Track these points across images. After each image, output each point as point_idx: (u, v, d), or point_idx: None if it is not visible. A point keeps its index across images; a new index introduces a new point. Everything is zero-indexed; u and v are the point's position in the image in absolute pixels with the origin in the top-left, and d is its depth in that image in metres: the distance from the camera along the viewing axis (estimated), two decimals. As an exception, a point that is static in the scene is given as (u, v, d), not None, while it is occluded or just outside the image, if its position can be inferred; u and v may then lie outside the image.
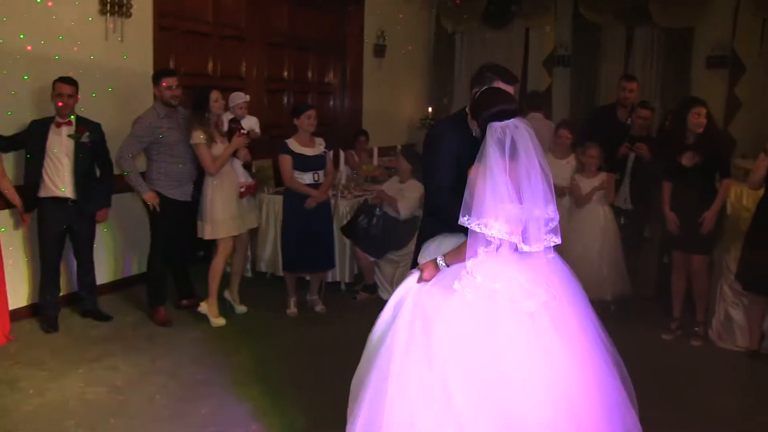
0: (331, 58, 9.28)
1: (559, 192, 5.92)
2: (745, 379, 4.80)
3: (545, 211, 2.76)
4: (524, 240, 2.74)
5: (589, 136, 6.11)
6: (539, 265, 2.82)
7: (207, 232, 5.34)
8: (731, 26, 9.37)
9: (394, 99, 10.24)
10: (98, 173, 5.38)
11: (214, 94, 5.33)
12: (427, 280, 2.90)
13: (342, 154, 7.03)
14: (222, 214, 5.32)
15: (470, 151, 2.87)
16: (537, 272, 2.79)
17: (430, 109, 10.68)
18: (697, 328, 5.37)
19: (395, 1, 9.81)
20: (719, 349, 5.26)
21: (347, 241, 6.26)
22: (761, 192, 4.99)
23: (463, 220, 2.73)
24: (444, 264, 2.89)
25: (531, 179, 2.73)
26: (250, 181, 5.61)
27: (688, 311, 5.48)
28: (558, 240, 2.79)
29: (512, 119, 2.79)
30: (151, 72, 6.04)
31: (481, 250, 2.74)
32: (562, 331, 2.77)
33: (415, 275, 2.97)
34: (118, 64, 5.92)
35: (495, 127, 2.77)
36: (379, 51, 9.66)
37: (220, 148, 5.33)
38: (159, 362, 4.71)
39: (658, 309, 5.84)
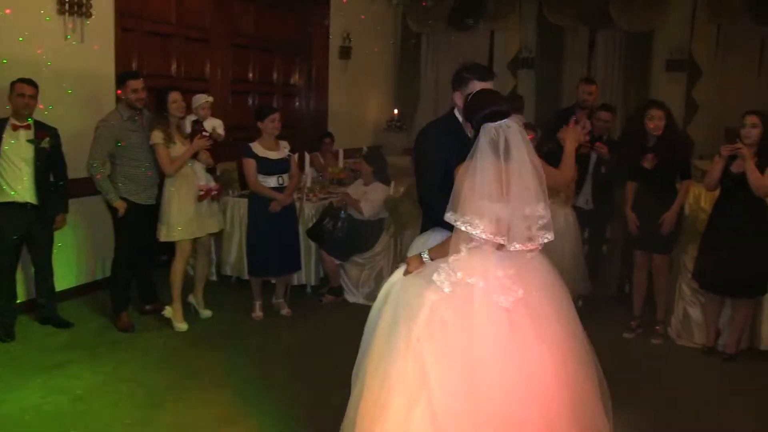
0: (297, 60, 9.27)
1: None
2: (701, 375, 4.89)
3: (535, 209, 2.79)
4: (510, 238, 2.78)
5: (551, 138, 6.17)
6: (520, 261, 2.85)
7: (162, 234, 5.30)
8: (689, 31, 9.58)
9: (359, 101, 10.25)
10: (52, 178, 5.24)
11: (172, 95, 5.27)
12: (411, 273, 3.00)
13: (307, 156, 7.01)
14: (177, 217, 5.26)
15: (460, 151, 2.93)
16: (517, 269, 2.83)
17: (396, 111, 10.72)
18: (657, 327, 5.46)
19: (361, 3, 9.81)
20: (678, 347, 5.37)
21: (313, 244, 6.25)
22: (717, 193, 5.11)
23: (448, 217, 2.78)
24: (428, 258, 2.96)
25: (522, 178, 2.78)
26: (212, 184, 5.53)
27: (649, 310, 5.57)
28: (550, 236, 2.83)
29: (505, 120, 2.83)
30: (113, 74, 6.00)
31: (463, 246, 2.79)
32: (538, 327, 2.81)
33: (402, 268, 3.07)
34: (78, 65, 5.83)
35: (488, 128, 2.81)
36: (345, 52, 9.66)
37: (179, 149, 5.29)
38: (122, 369, 4.64)
39: (620, 308, 5.92)
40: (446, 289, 2.79)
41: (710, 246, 5.04)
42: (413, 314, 2.82)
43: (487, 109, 2.86)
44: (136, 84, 5.26)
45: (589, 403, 2.90)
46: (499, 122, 2.82)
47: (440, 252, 2.91)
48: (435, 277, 2.82)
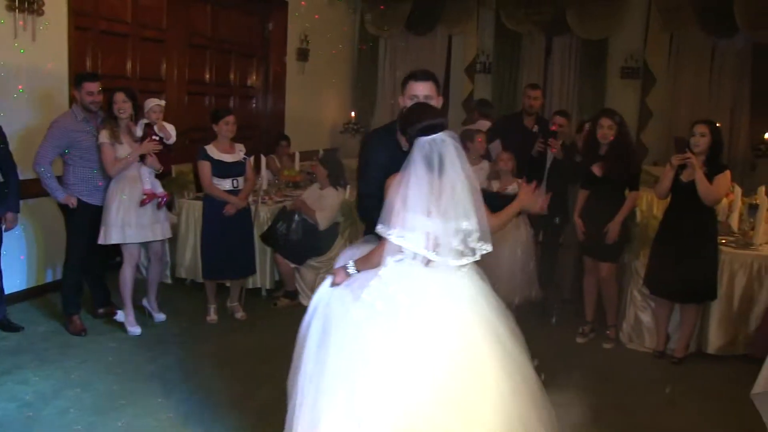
0: (254, 61, 9.22)
1: None
2: (652, 378, 4.98)
3: (470, 223, 2.79)
4: (440, 253, 2.78)
5: (494, 142, 6.29)
6: (449, 276, 2.84)
7: (100, 236, 5.20)
8: (643, 39, 9.79)
9: (317, 103, 10.24)
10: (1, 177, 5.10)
11: (115, 96, 5.18)
12: (338, 285, 2.96)
13: (263, 159, 6.98)
14: (115, 219, 5.16)
15: (399, 162, 2.90)
16: (445, 284, 2.83)
17: (353, 114, 10.73)
18: (608, 332, 5.56)
19: (319, 5, 9.80)
20: (629, 351, 5.46)
21: (268, 248, 6.22)
22: (668, 201, 5.22)
23: (379, 229, 2.78)
24: (354, 270, 2.94)
25: (456, 193, 2.77)
26: (159, 191, 5.39)
27: (602, 314, 5.66)
28: (489, 248, 2.84)
29: (440, 134, 2.81)
30: (66, 73, 5.90)
31: (389, 259, 2.80)
32: (466, 340, 2.79)
33: (329, 279, 3.03)
34: (29, 64, 5.70)
35: (422, 143, 2.80)
36: (303, 54, 9.64)
37: (126, 150, 5.20)
38: (73, 374, 4.56)
39: (574, 313, 6.01)
40: (379, 307, 2.77)
41: (660, 253, 5.14)
42: (342, 332, 2.81)
43: (421, 123, 2.83)
44: (92, 87, 5.17)
45: (523, 419, 2.86)
46: (432, 136, 2.80)
47: (366, 263, 2.91)
48: (365, 294, 2.80)
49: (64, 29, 6.00)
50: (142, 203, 5.23)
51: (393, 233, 2.74)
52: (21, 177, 5.23)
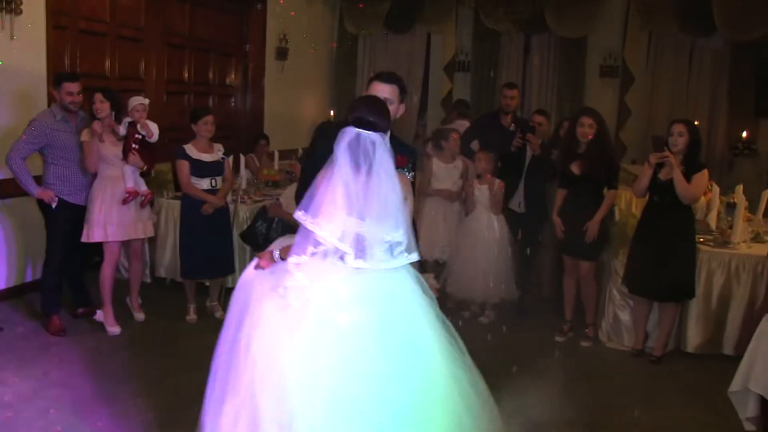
0: (233, 60, 9.18)
1: (452, 197, 6.08)
2: (630, 377, 5.04)
3: (394, 235, 2.70)
4: (360, 255, 2.69)
5: (473, 142, 6.32)
6: (369, 281, 2.74)
7: (83, 234, 5.21)
8: (621, 38, 9.85)
9: (296, 102, 10.21)
10: None
11: (95, 97, 5.17)
12: (263, 269, 2.93)
13: (242, 158, 6.95)
14: (97, 217, 5.17)
15: None
16: (364, 286, 2.74)
17: (332, 112, 10.71)
18: (587, 330, 5.60)
19: (298, 4, 9.78)
20: (608, 349, 5.50)
21: (248, 246, 6.19)
22: (646, 200, 5.26)
23: (298, 214, 2.69)
24: (279, 257, 2.87)
25: (385, 200, 2.69)
26: (143, 189, 5.40)
27: (581, 313, 5.69)
28: (415, 257, 2.76)
29: (372, 133, 2.72)
30: (44, 72, 5.86)
31: (309, 249, 2.69)
32: (377, 349, 2.67)
33: (254, 262, 3.00)
34: (7, 62, 5.64)
35: (350, 131, 2.72)
36: (282, 53, 9.61)
37: (108, 148, 5.20)
38: (52, 374, 4.52)
39: (553, 311, 6.05)
40: (294, 304, 2.71)
41: (639, 251, 5.19)
42: (252, 323, 2.76)
43: (358, 112, 2.75)
44: (72, 87, 5.13)
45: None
46: (363, 132, 2.71)
47: (290, 251, 2.80)
48: (281, 290, 2.74)
49: (42, 28, 5.94)
50: (125, 201, 5.23)
51: (310, 220, 2.64)
52: (0, 176, 5.17)
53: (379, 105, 2.88)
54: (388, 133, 2.90)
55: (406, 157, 3.16)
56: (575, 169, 5.34)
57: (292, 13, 9.65)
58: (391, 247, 2.71)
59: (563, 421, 4.16)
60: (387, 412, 2.63)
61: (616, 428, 4.21)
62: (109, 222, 5.20)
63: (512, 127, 6.18)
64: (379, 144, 2.71)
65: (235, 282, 6.12)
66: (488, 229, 5.84)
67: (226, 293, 5.99)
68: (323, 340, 2.65)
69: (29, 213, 5.69)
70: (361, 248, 2.68)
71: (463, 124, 7.66)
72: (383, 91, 3.17)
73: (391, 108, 3.08)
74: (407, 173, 3.18)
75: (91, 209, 5.18)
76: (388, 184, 2.70)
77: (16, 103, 5.72)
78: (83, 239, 5.20)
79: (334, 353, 2.64)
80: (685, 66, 9.80)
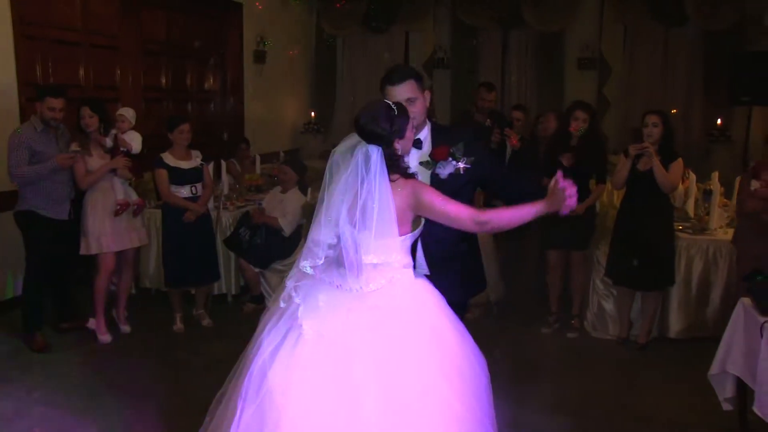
0: (211, 65, 9.13)
1: None
2: (616, 364, 5.11)
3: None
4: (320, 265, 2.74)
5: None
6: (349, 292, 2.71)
7: (82, 247, 5.27)
8: (597, 30, 9.90)
9: (276, 105, 10.20)
10: None
11: (83, 111, 5.19)
12: None
13: (223, 163, 6.93)
14: (93, 230, 5.23)
15: None
16: (343, 298, 2.69)
17: (312, 114, 10.71)
18: (572, 321, 5.65)
19: (274, 7, 9.76)
20: (593, 339, 5.57)
21: (232, 253, 6.19)
22: (624, 191, 5.31)
23: None
24: None
25: (333, 204, 2.70)
26: (133, 198, 5.44)
27: (566, 305, 5.75)
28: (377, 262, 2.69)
29: (369, 146, 2.69)
30: (14, 84, 5.82)
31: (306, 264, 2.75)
32: (359, 359, 2.57)
33: None
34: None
35: (354, 141, 2.77)
36: (260, 57, 9.59)
37: (96, 162, 5.21)
38: (36, 392, 4.48)
39: (539, 304, 6.08)
40: (281, 303, 2.76)
41: (620, 242, 5.24)
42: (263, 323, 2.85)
43: (357, 119, 2.73)
44: (55, 103, 5.07)
45: None
46: (362, 141, 2.70)
47: None
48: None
49: (9, 38, 5.88)
50: (116, 213, 5.28)
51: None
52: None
53: (376, 109, 2.74)
54: (403, 136, 2.77)
55: (446, 147, 2.99)
56: (565, 161, 5.36)
57: (259, 6, 9.52)
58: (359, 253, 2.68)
59: (551, 409, 4.22)
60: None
61: (604, 414, 4.26)
62: (103, 233, 5.24)
63: (488, 122, 6.19)
64: (374, 153, 2.67)
65: (221, 289, 6.21)
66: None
67: (213, 301, 6.01)
68: (298, 346, 2.64)
69: (7, 228, 5.63)
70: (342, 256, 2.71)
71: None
72: (399, 93, 2.95)
73: (417, 105, 2.97)
74: (453, 162, 3.00)
75: (85, 222, 5.22)
76: (379, 198, 2.64)
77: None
78: (82, 252, 5.26)
79: (311, 364, 2.60)
80: (660, 56, 9.87)
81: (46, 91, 5.21)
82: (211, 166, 5.97)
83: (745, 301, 3.61)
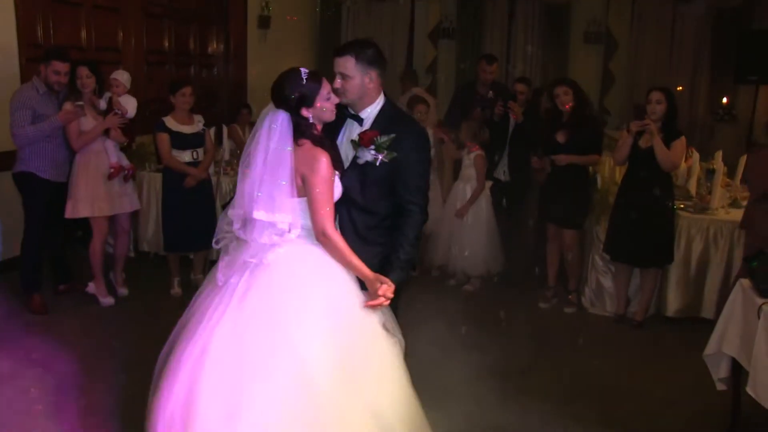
0: (214, 29, 9.04)
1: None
2: (613, 341, 5.11)
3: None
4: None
5: (456, 114, 6.32)
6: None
7: (68, 210, 5.20)
8: (605, 4, 9.79)
9: (279, 70, 9.80)
10: None
11: (78, 71, 5.11)
12: None
13: (225, 128, 6.89)
14: (84, 193, 5.18)
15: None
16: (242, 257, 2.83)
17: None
18: (570, 296, 5.65)
19: (279, -30, 9.63)
20: (591, 315, 5.59)
21: (231, 219, 6.17)
22: (626, 168, 5.28)
23: None
24: None
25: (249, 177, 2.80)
26: (124, 163, 5.41)
27: (564, 280, 5.75)
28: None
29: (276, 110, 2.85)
30: (14, 44, 5.77)
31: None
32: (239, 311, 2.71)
33: None
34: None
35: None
36: (264, 22, 9.48)
37: (90, 123, 5.17)
38: (34, 354, 4.50)
39: (537, 278, 6.10)
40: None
41: (619, 218, 5.23)
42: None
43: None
44: (61, 67, 5.02)
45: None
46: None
47: None
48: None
49: (9, -2, 5.81)
50: (110, 177, 5.24)
51: None
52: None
53: (288, 76, 2.85)
54: (312, 104, 2.81)
55: (374, 133, 2.95)
56: (560, 138, 5.35)
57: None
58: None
59: (544, 384, 4.25)
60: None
61: (599, 390, 4.27)
62: (96, 197, 5.20)
63: (490, 94, 6.16)
64: (277, 117, 2.80)
65: (218, 254, 6.17)
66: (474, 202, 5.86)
67: (211, 266, 5.99)
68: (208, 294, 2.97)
69: (5, 189, 5.62)
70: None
71: (420, 90, 7.82)
72: (336, 66, 2.97)
73: (350, 83, 2.94)
74: (373, 151, 2.94)
75: (75, 184, 5.16)
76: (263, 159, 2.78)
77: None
78: (68, 215, 5.19)
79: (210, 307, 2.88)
80: (667, 32, 9.78)
81: (52, 54, 5.13)
82: (212, 131, 5.93)
83: (743, 282, 3.60)
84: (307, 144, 2.77)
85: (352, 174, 2.96)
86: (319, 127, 2.87)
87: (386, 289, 2.71)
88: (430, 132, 6.16)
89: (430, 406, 3.03)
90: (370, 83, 2.97)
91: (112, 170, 5.25)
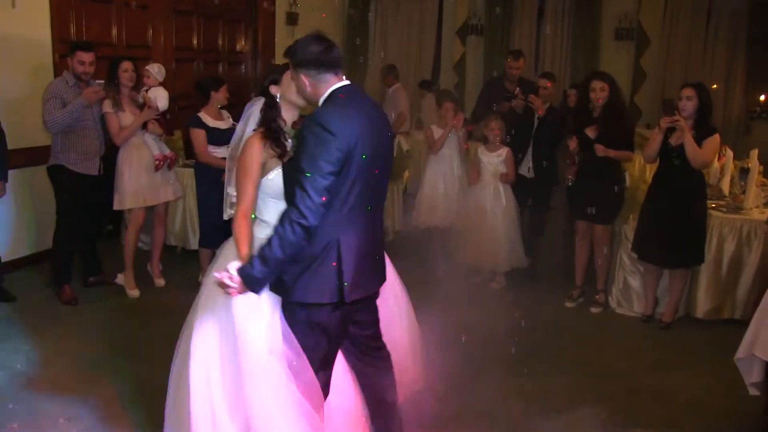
0: (242, 26, 9.10)
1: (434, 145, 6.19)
2: (639, 343, 5.02)
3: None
4: None
5: (483, 110, 6.28)
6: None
7: (115, 202, 5.31)
8: (637, 0, 9.67)
9: (307, 68, 10.08)
10: None
11: (123, 65, 5.22)
12: None
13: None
14: (129, 185, 5.26)
15: None
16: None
17: (343, 77, 10.60)
18: (597, 296, 5.57)
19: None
20: (618, 315, 5.50)
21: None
22: (656, 165, 5.19)
23: None
24: None
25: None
26: (167, 152, 5.46)
27: (591, 279, 5.67)
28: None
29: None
30: (48, 41, 5.85)
31: None
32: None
33: None
34: (10, 32, 5.62)
35: None
36: (292, 18, 9.52)
37: (128, 117, 5.24)
38: (63, 342, 4.58)
39: (563, 277, 6.03)
40: None
41: (648, 217, 5.13)
42: None
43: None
44: (84, 56, 5.11)
45: None
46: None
47: None
48: None
49: (45, -4, 5.90)
50: (157, 168, 5.33)
51: None
52: (10, 147, 5.19)
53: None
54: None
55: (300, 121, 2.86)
56: (590, 133, 5.28)
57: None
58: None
59: (569, 385, 4.19)
60: None
61: (623, 392, 4.20)
62: (140, 188, 5.30)
63: (517, 90, 6.12)
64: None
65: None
66: (495, 197, 5.81)
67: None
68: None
69: (40, 182, 5.72)
70: None
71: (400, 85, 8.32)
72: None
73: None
74: (289, 139, 2.88)
75: (121, 177, 5.27)
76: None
77: (22, 73, 5.73)
78: (115, 207, 5.31)
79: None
80: (702, 28, 9.63)
81: (76, 45, 5.26)
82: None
83: (777, 283, 3.52)
84: (260, 131, 2.89)
85: None
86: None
87: (225, 275, 2.62)
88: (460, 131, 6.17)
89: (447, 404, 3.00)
90: (301, 87, 2.78)
91: (157, 162, 5.33)
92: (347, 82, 2.74)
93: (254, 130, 2.91)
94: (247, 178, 2.79)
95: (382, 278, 2.90)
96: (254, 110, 2.97)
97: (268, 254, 2.54)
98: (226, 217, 3.19)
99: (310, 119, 2.57)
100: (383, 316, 3.02)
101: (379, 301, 2.95)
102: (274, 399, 2.68)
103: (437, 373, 3.65)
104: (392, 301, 3.37)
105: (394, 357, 3.07)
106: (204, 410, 2.82)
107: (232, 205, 3.04)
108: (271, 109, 2.89)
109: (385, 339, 3.04)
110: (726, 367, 3.87)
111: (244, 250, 2.75)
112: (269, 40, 9.25)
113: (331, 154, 2.50)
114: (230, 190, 3.03)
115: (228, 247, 2.95)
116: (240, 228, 2.80)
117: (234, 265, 2.62)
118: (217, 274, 2.65)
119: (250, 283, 2.59)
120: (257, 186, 2.81)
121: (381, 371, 3.06)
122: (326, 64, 2.68)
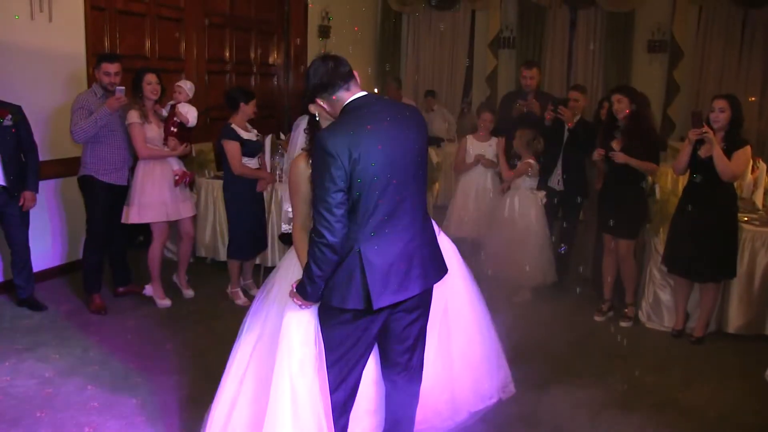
0: (274, 39, 9.19)
1: (489, 165, 6.35)
2: (670, 357, 4.94)
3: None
4: None
5: (504, 122, 6.31)
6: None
7: (131, 216, 5.29)
8: (670, 11, 9.58)
9: (339, 80, 10.14)
10: (23, 158, 5.16)
11: (147, 77, 5.26)
12: None
13: (283, 136, 6.96)
14: (150, 198, 5.29)
15: None
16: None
17: (376, 91, 10.66)
18: (626, 310, 5.50)
19: (340, -19, 9.73)
20: (647, 329, 5.41)
21: (276, 222, 6.15)
22: (687, 178, 5.12)
23: None
24: None
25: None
26: (185, 170, 5.53)
27: (621, 293, 5.60)
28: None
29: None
30: (83, 53, 5.98)
31: None
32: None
33: None
34: (46, 44, 5.75)
35: None
36: (324, 31, 9.59)
37: (153, 129, 5.30)
38: (92, 352, 4.64)
39: (593, 291, 5.96)
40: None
41: (679, 230, 5.06)
42: None
43: None
44: (110, 67, 5.21)
45: None
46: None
47: None
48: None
49: (80, 9, 6.05)
50: (176, 183, 5.38)
51: None
52: (41, 158, 5.30)
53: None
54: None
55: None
56: (615, 146, 5.24)
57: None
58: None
59: (598, 399, 4.13)
60: None
61: (652, 407, 4.14)
62: (161, 202, 5.32)
63: (529, 97, 6.15)
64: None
65: (265, 260, 6.18)
66: (523, 212, 5.78)
67: (258, 270, 6.04)
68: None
69: (70, 193, 5.83)
70: None
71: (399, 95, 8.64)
72: None
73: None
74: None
75: (140, 191, 5.27)
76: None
77: (56, 85, 5.84)
78: (133, 220, 5.29)
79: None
80: (736, 40, 9.49)
81: (101, 57, 5.35)
82: (268, 139, 5.96)
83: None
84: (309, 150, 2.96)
85: None
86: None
87: (292, 294, 2.87)
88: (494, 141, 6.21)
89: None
90: (322, 109, 2.85)
91: (177, 177, 5.38)
92: (360, 94, 2.76)
93: (302, 149, 3.05)
94: (296, 196, 2.95)
95: (424, 283, 2.88)
96: (300, 129, 3.19)
97: (309, 273, 2.72)
98: (284, 230, 3.60)
99: (315, 142, 2.67)
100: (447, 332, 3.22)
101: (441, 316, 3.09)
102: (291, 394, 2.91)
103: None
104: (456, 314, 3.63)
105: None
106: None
107: (289, 220, 3.29)
108: (313, 128, 3.03)
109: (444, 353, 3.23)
110: (757, 383, 3.81)
111: (304, 259, 2.86)
112: (301, 53, 9.34)
113: (333, 174, 2.57)
114: (286, 206, 3.22)
115: (289, 257, 3.15)
116: (298, 240, 2.97)
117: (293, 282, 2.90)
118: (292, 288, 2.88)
119: (305, 297, 2.81)
120: (308, 201, 2.90)
121: (399, 391, 3.08)
122: (334, 84, 2.72)
